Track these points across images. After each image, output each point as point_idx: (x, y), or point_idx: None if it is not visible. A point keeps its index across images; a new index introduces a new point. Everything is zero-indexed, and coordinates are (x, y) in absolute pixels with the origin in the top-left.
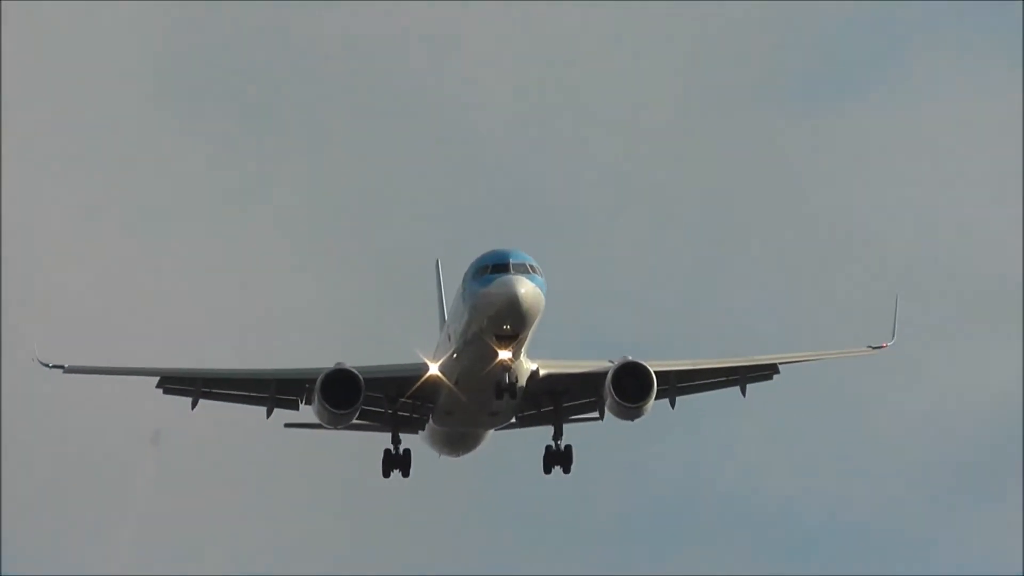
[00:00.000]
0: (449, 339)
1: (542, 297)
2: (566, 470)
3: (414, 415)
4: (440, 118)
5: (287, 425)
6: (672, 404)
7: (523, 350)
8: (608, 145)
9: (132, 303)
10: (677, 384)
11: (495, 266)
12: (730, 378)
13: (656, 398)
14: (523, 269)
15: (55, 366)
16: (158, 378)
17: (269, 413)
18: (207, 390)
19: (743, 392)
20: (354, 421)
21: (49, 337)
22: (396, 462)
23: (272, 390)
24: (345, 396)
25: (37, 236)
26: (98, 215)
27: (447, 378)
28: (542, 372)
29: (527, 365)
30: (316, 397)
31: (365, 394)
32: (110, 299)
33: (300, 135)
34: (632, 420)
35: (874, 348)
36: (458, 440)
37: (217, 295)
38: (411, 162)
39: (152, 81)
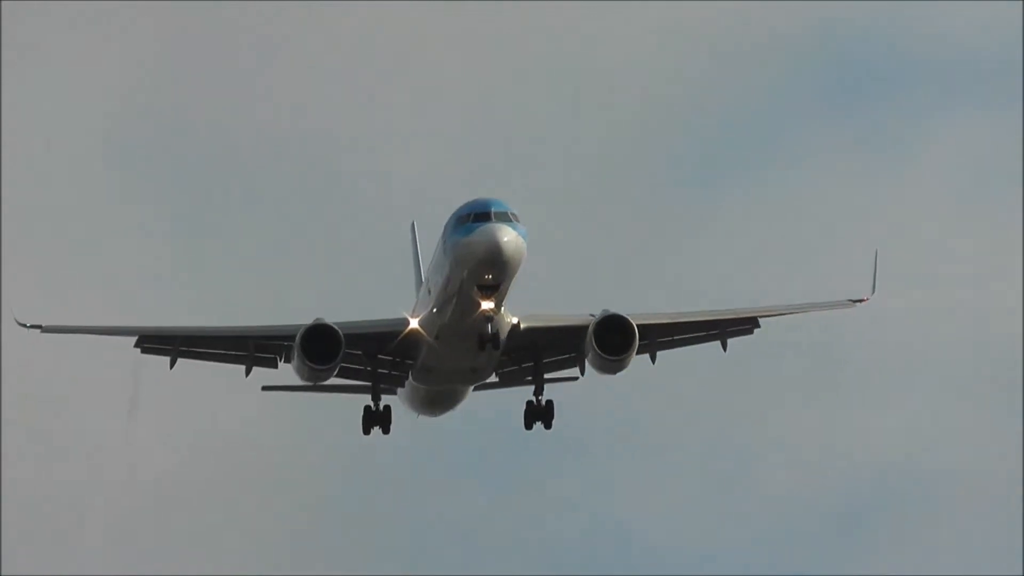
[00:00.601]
0: (429, 293)
1: (524, 246)
2: (547, 426)
3: (393, 372)
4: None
5: (265, 388)
6: (653, 359)
7: (503, 303)
8: (583, 100)
9: (109, 264)
10: (658, 338)
11: (477, 215)
12: (710, 332)
13: (637, 353)
14: (505, 218)
15: (33, 326)
16: (136, 337)
17: (248, 371)
18: (185, 349)
19: (724, 347)
20: (333, 381)
21: (26, 298)
22: (376, 419)
23: (251, 347)
24: (325, 351)
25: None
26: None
27: (427, 333)
28: (523, 326)
29: (508, 318)
30: (296, 353)
31: (345, 350)
32: (87, 260)
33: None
34: (613, 374)
35: (855, 301)
36: (437, 399)
37: (195, 256)
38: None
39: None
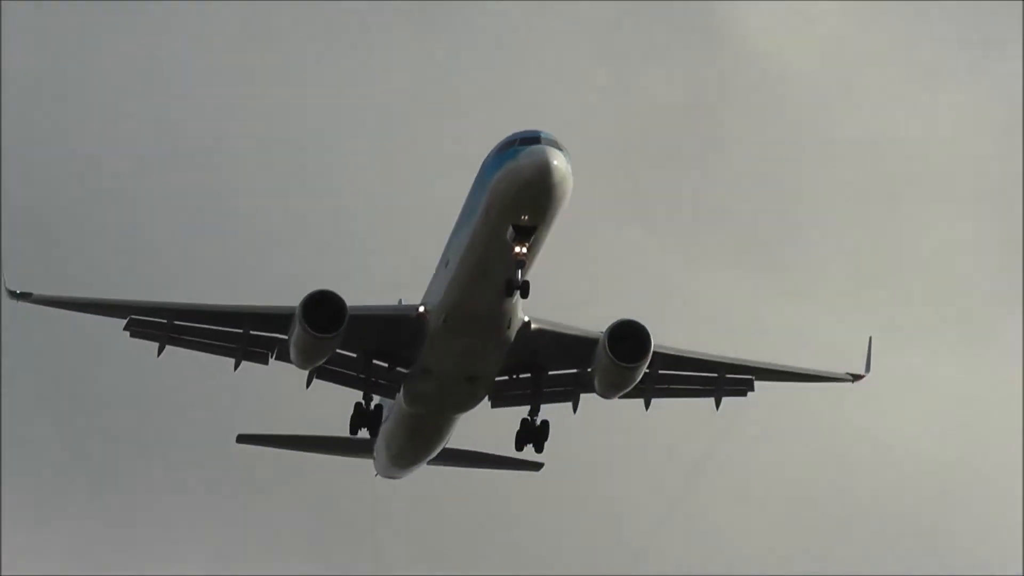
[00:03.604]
0: (446, 265)
1: (571, 179)
2: (538, 449)
3: (383, 381)
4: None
5: (240, 439)
6: (647, 405)
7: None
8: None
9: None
10: (659, 372)
11: (524, 139)
12: (707, 387)
13: (633, 395)
14: (555, 144)
15: (22, 294)
16: (126, 321)
17: (237, 365)
18: (175, 336)
19: (717, 404)
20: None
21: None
22: (365, 419)
23: (245, 333)
24: (327, 324)
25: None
26: None
27: (436, 317)
28: (533, 325)
29: (520, 315)
30: (296, 320)
31: (347, 327)
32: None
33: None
34: (619, 390)
35: (854, 376)
36: (418, 432)
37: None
38: None
39: None
